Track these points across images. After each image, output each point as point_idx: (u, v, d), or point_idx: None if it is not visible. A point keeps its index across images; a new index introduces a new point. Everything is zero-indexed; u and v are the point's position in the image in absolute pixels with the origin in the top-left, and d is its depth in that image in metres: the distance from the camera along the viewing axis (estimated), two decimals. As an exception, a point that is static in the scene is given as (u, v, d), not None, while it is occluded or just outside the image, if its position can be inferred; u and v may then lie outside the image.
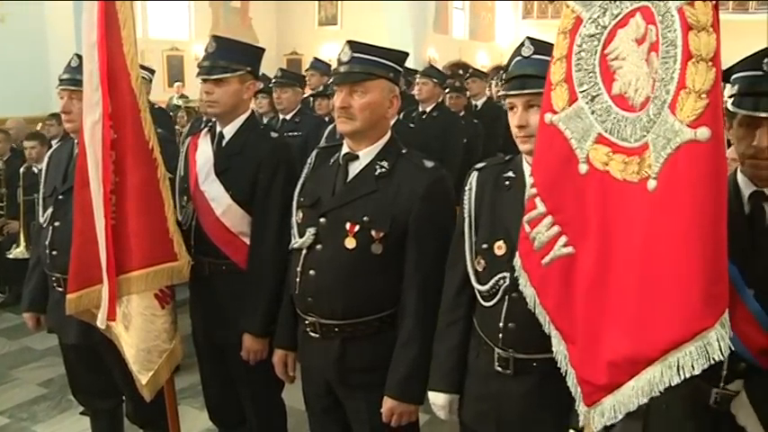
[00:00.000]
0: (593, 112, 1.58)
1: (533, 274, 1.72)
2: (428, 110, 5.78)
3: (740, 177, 1.75)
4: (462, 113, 6.51)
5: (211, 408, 2.93)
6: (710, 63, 1.34)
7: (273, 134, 2.79)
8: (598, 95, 1.58)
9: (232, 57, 2.59)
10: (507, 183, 1.94)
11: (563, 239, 1.64)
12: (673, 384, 1.38)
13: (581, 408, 1.61)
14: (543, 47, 1.85)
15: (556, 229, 1.65)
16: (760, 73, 1.66)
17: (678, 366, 1.37)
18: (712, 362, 1.34)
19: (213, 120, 2.75)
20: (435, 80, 5.84)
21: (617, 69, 1.54)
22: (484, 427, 2.00)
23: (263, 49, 2.80)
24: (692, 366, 1.35)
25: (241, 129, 2.65)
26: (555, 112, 1.65)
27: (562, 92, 1.63)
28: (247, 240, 2.59)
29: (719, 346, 1.33)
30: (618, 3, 1.54)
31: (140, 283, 2.45)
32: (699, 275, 1.34)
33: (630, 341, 1.45)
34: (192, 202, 2.64)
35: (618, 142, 1.53)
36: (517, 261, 1.77)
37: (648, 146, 1.43)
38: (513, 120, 1.85)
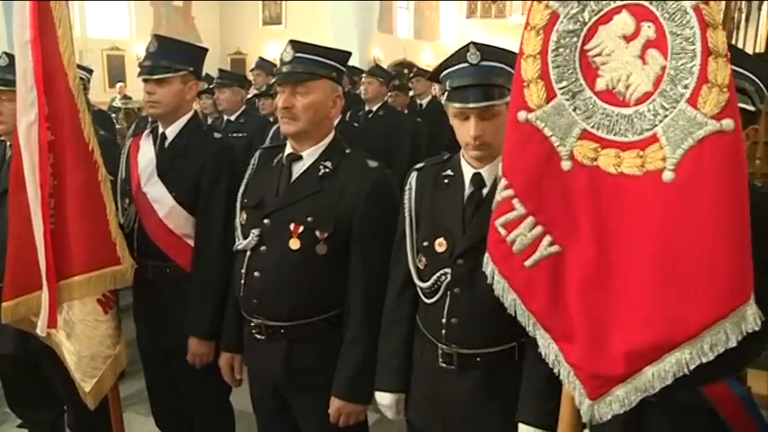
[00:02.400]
0: (575, 109, 1.57)
1: (515, 278, 1.66)
2: (374, 109, 5.80)
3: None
4: (406, 112, 6.54)
5: (158, 414, 2.88)
6: (725, 58, 1.40)
7: (217, 135, 2.76)
8: (580, 91, 1.56)
9: (174, 56, 2.56)
10: (446, 181, 1.95)
11: (548, 239, 1.61)
12: (704, 362, 1.43)
13: (585, 402, 1.58)
14: (490, 52, 1.84)
15: (539, 229, 1.61)
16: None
17: (711, 344, 1.42)
18: (744, 334, 1.41)
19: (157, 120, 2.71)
20: (381, 79, 5.86)
21: (601, 65, 1.54)
22: (430, 424, 2.02)
23: (205, 49, 2.77)
24: (726, 342, 1.41)
25: (184, 129, 2.61)
26: (531, 110, 1.60)
27: (538, 89, 1.59)
28: (191, 242, 2.56)
29: (753, 319, 1.40)
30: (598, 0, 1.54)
31: (83, 288, 2.39)
32: (734, 256, 1.39)
33: (654, 328, 1.46)
34: (134, 204, 2.59)
35: (607, 137, 1.53)
36: (490, 267, 1.70)
37: (657, 139, 1.46)
38: (469, 130, 1.82)
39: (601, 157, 1.54)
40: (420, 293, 1.97)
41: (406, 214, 2.01)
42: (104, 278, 2.40)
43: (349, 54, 2.25)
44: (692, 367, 1.44)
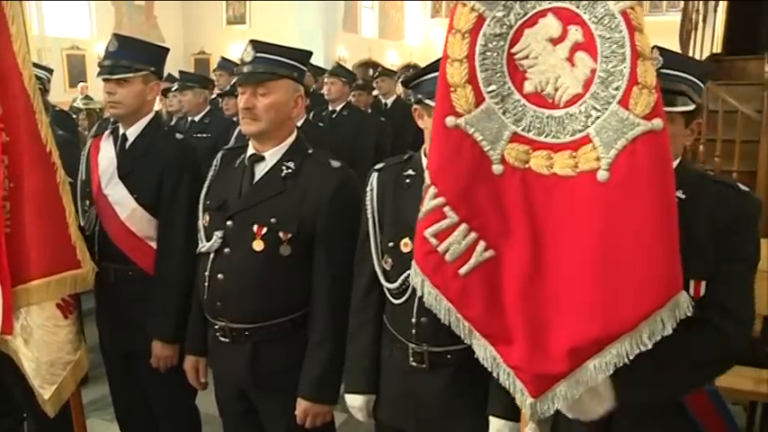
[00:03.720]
0: (504, 112, 1.58)
1: (448, 288, 1.65)
2: (338, 109, 5.78)
3: None
4: (370, 111, 6.53)
5: (122, 419, 2.84)
6: (651, 61, 1.46)
7: (178, 135, 2.73)
8: (509, 95, 1.58)
9: (135, 56, 2.52)
10: (408, 181, 1.95)
11: (482, 245, 1.60)
12: (643, 351, 1.48)
13: (527, 402, 1.59)
14: None
15: (473, 235, 1.61)
16: None
17: (650, 334, 1.47)
18: (678, 321, 1.47)
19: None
20: (344, 79, 5.84)
21: (528, 68, 1.56)
22: (402, 423, 2.02)
23: (167, 49, 2.73)
24: (663, 330, 1.47)
25: (145, 130, 2.58)
26: (459, 115, 1.59)
27: (466, 93, 1.59)
28: (154, 245, 2.52)
29: (686, 305, 1.48)
30: (522, 2, 1.55)
31: (41, 292, 2.34)
32: (667, 248, 1.45)
33: (595, 324, 1.49)
34: (94, 206, 2.55)
35: (538, 139, 1.55)
36: (419, 278, 1.68)
37: (590, 140, 1.50)
38: None
39: (532, 159, 1.57)
40: (387, 294, 1.97)
41: (369, 216, 2.01)
42: (64, 282, 2.36)
43: (310, 53, 2.25)
44: (632, 357, 1.49)
